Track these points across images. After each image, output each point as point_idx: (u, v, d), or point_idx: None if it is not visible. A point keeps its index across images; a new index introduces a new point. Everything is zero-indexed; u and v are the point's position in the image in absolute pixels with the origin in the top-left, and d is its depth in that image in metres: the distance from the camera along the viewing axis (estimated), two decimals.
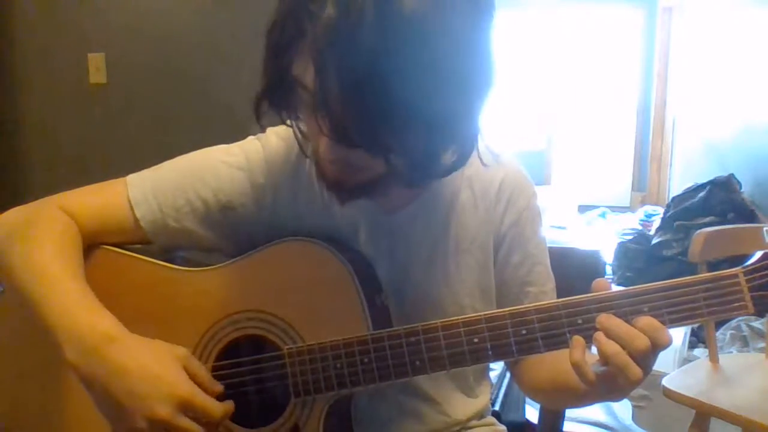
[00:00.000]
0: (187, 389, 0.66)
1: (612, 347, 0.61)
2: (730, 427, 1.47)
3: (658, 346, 0.62)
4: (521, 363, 0.86)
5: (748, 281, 0.64)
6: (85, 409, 0.70)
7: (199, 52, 2.34)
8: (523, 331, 0.67)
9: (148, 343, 0.69)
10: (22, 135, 2.52)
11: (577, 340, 0.65)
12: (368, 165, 0.64)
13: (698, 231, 1.56)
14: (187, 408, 0.66)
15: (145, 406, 0.64)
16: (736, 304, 0.64)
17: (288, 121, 0.69)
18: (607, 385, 0.64)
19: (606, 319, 0.64)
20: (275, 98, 0.65)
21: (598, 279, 0.66)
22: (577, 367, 0.63)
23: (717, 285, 0.64)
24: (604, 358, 0.62)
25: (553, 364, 0.78)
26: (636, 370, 0.61)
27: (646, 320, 0.62)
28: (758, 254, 0.65)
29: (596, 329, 0.64)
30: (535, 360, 0.82)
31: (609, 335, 0.62)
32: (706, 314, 0.64)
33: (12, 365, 0.81)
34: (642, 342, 0.61)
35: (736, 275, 0.64)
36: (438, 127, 0.59)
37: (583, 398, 0.75)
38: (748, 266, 0.65)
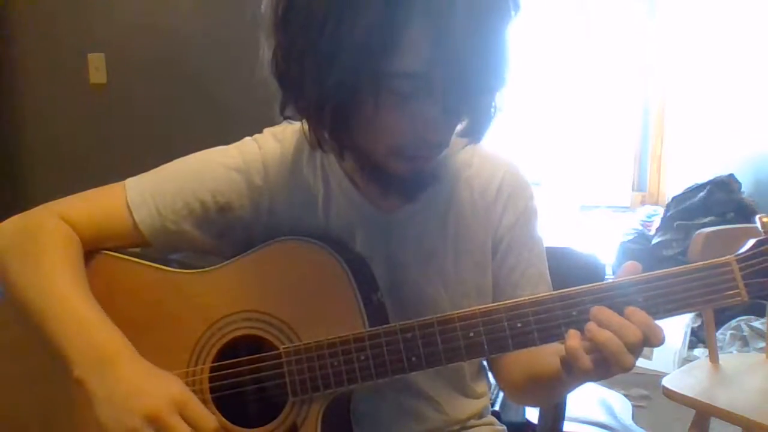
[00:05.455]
0: (186, 393, 0.67)
1: (605, 334, 0.62)
2: (730, 427, 1.47)
3: (650, 341, 0.62)
4: (499, 361, 0.85)
5: (741, 269, 0.64)
6: (83, 421, 0.69)
7: (200, 52, 2.34)
8: (519, 325, 0.67)
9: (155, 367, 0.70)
10: (22, 135, 2.52)
11: (572, 332, 0.65)
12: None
13: (698, 231, 1.56)
14: (182, 408, 0.66)
15: (140, 402, 0.65)
16: (730, 292, 0.64)
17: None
18: (598, 371, 0.64)
19: (598, 311, 0.64)
20: (341, 107, 0.66)
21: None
22: (572, 352, 0.63)
23: (710, 273, 0.64)
24: (597, 345, 0.62)
25: (533, 359, 0.78)
26: (629, 358, 0.62)
27: (641, 315, 0.63)
28: (751, 242, 0.65)
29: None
30: (512, 359, 0.82)
31: (601, 325, 0.63)
32: (700, 303, 0.65)
33: (11, 374, 0.81)
34: (634, 333, 0.62)
35: (728, 263, 0.64)
36: (495, 88, 0.69)
37: (564, 388, 0.75)
38: (741, 254, 0.65)
